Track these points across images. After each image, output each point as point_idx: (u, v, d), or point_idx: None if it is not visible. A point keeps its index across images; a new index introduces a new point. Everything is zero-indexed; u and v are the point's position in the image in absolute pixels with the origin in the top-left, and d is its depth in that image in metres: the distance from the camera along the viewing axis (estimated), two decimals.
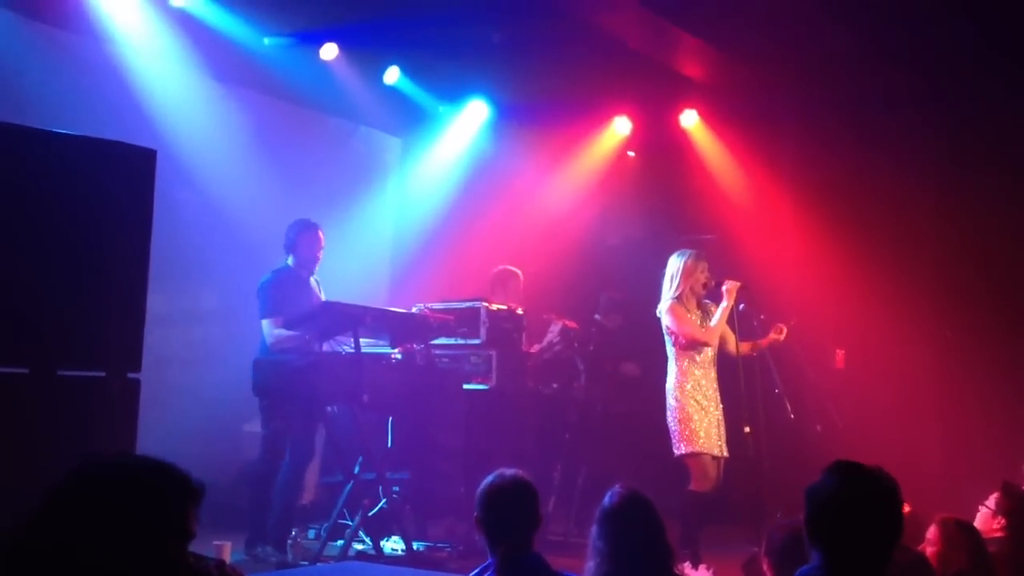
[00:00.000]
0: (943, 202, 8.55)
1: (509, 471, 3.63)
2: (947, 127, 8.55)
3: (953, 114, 8.49)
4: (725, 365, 6.61)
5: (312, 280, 6.97)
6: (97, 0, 7.38)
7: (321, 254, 6.93)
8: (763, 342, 6.59)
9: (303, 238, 6.85)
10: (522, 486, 3.59)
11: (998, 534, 4.83)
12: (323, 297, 6.93)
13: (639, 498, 3.58)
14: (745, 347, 6.53)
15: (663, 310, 6.50)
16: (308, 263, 6.90)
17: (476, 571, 3.60)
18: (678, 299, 6.47)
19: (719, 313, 6.46)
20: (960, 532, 4.29)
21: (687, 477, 6.33)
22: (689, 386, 6.38)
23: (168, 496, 2.21)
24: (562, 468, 7.71)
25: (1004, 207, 8.18)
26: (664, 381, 6.50)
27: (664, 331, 6.52)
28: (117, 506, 2.15)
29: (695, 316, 6.50)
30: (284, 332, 6.61)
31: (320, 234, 6.91)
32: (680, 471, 6.38)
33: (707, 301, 6.58)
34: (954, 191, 8.49)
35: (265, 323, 6.67)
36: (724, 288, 6.49)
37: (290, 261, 6.88)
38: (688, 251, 6.57)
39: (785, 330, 6.60)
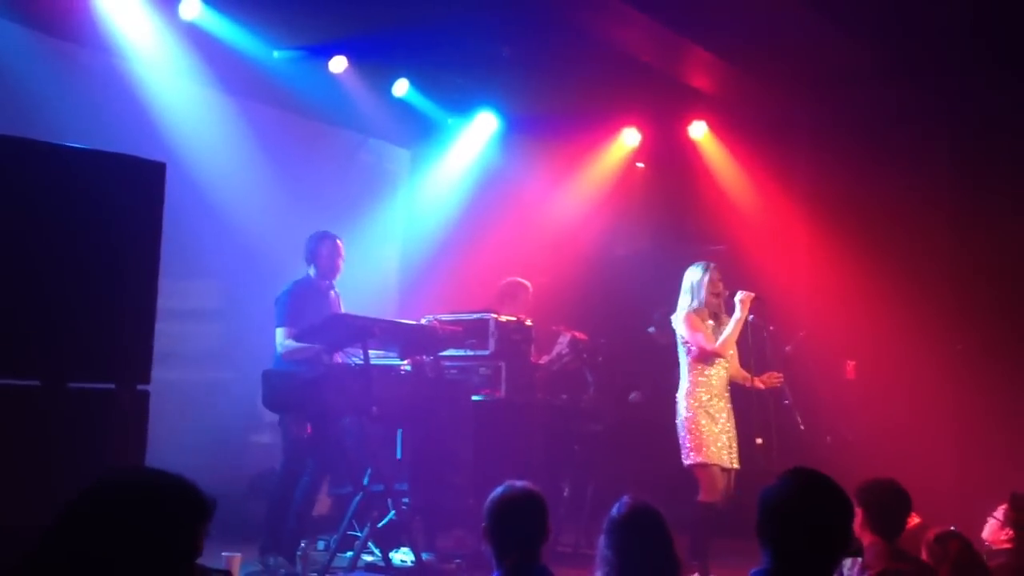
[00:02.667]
0: (955, 214, 8.53)
1: (519, 483, 3.63)
2: (959, 141, 8.53)
3: (964, 128, 8.47)
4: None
5: (332, 292, 7.03)
6: (108, 14, 7.42)
7: (341, 263, 7.01)
8: (758, 383, 6.51)
9: (323, 248, 6.93)
10: (531, 498, 3.58)
11: (1006, 546, 4.82)
12: (342, 309, 6.98)
13: (647, 508, 3.58)
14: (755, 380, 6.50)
15: (678, 320, 6.50)
16: (329, 273, 6.97)
17: None
18: (694, 310, 6.47)
19: (731, 324, 6.44)
20: (951, 542, 4.28)
21: (696, 488, 6.32)
22: (701, 397, 6.37)
23: (180, 514, 2.22)
24: (571, 479, 7.69)
25: (1016, 220, 8.16)
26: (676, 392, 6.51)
27: (679, 341, 6.53)
28: (128, 524, 2.16)
29: (709, 328, 6.50)
30: (294, 344, 6.64)
31: (339, 243, 6.99)
32: (690, 482, 6.37)
33: (724, 316, 6.57)
34: (965, 202, 8.47)
35: (279, 331, 6.72)
36: (737, 299, 6.48)
37: (311, 272, 6.96)
38: (704, 263, 6.58)
39: (781, 378, 6.57)
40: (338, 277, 7.05)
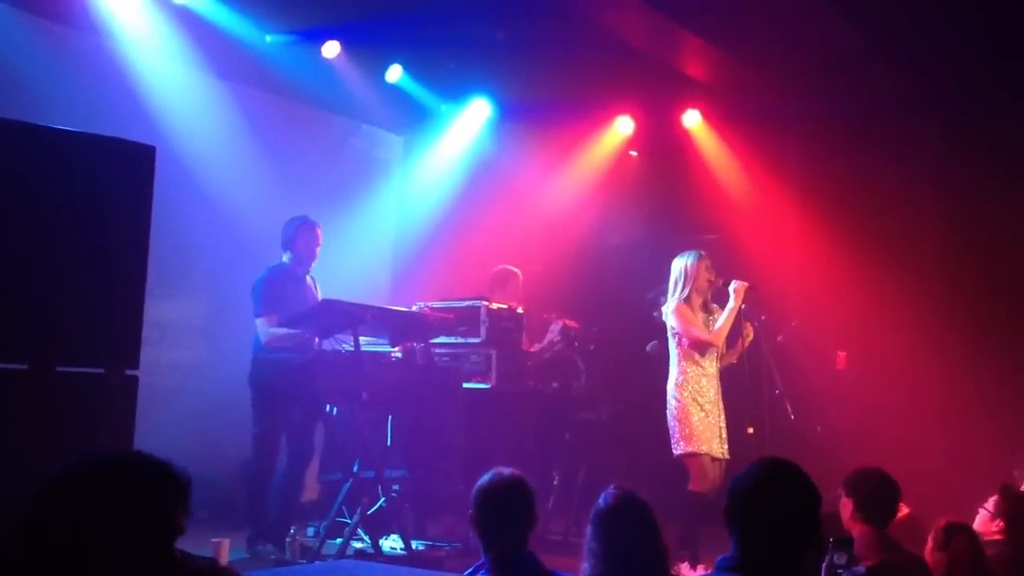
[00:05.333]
0: (946, 204, 8.54)
1: (506, 470, 3.61)
2: (951, 129, 8.53)
3: (957, 116, 8.47)
4: (730, 366, 6.60)
5: (308, 278, 6.96)
6: None
7: (318, 251, 6.92)
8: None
9: (301, 235, 6.84)
10: (518, 486, 3.57)
11: (996, 537, 4.81)
12: (319, 295, 6.93)
13: (633, 499, 3.56)
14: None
15: (669, 311, 6.46)
16: (305, 260, 6.89)
17: (469, 570, 3.59)
18: (685, 301, 6.44)
19: (726, 314, 6.41)
20: (958, 536, 4.28)
21: (686, 477, 6.31)
22: (690, 387, 6.35)
23: (154, 492, 2.21)
24: (562, 467, 7.70)
25: (1008, 209, 8.17)
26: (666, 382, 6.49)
27: (669, 332, 6.50)
28: (102, 502, 2.16)
29: (700, 318, 6.47)
30: (279, 330, 6.57)
31: (318, 231, 6.90)
32: (680, 471, 6.37)
33: (714, 305, 6.55)
34: (957, 193, 8.48)
35: (259, 321, 6.64)
36: (731, 288, 6.44)
37: (286, 258, 6.88)
38: (692, 252, 6.52)
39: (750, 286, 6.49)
40: (314, 264, 6.96)
